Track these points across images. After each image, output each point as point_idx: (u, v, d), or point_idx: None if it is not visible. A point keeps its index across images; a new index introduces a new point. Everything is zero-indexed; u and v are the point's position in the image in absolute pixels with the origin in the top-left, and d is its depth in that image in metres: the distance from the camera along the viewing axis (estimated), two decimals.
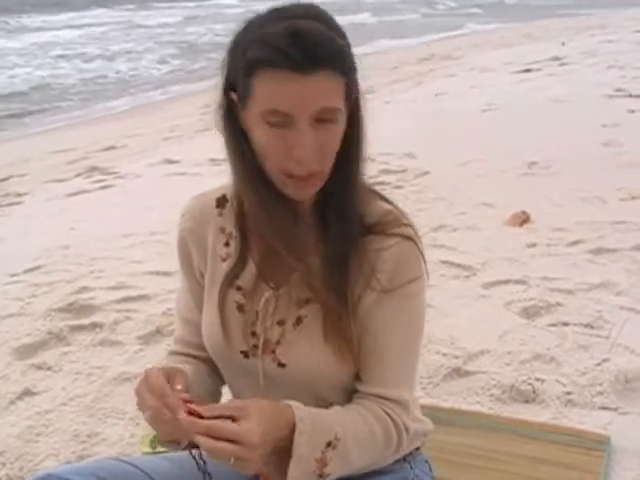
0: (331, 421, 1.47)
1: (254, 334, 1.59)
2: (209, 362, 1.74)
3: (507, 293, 4.10)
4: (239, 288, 1.61)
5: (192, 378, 1.56)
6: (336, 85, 1.37)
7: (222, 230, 1.64)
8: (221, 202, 1.67)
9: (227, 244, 1.64)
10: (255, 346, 1.59)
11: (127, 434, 3.02)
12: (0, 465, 2.84)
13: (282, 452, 1.40)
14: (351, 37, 1.44)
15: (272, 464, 1.40)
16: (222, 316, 1.60)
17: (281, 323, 1.57)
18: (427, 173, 6.68)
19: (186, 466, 1.52)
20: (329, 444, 1.43)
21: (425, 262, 1.56)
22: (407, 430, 1.57)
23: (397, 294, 1.52)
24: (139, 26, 33.05)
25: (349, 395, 1.59)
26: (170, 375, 1.41)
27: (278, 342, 1.57)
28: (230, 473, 1.74)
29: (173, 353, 1.77)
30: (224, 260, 1.63)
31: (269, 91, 1.32)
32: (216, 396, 1.73)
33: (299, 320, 1.56)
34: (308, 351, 1.54)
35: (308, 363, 1.54)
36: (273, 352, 1.57)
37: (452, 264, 4.47)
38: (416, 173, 6.63)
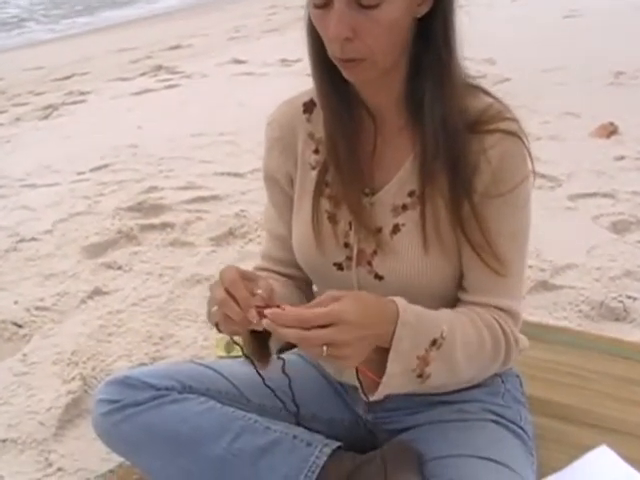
0: (438, 318, 1.39)
1: (347, 245, 1.52)
2: (298, 280, 1.68)
3: (594, 207, 3.97)
4: (330, 197, 1.53)
5: (279, 293, 1.50)
6: None
7: (311, 136, 1.57)
8: (309, 107, 1.59)
9: (316, 151, 1.56)
10: (349, 258, 1.52)
11: (200, 337, 3.00)
12: (73, 365, 2.84)
13: (385, 352, 1.31)
14: None
15: (373, 364, 1.32)
16: (314, 227, 1.54)
17: (377, 232, 1.49)
18: (507, 80, 6.48)
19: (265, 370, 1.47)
20: (434, 342, 1.34)
21: (532, 159, 1.46)
22: (517, 342, 1.50)
23: (503, 197, 1.42)
24: None
25: (451, 307, 1.52)
26: (251, 278, 1.33)
27: (374, 253, 1.50)
28: (311, 377, 1.71)
29: (258, 269, 1.71)
30: (314, 168, 1.55)
31: None
32: None
33: (396, 228, 1.48)
34: (407, 261, 1.46)
35: (407, 274, 1.46)
36: (369, 264, 1.50)
37: (536, 174, 4.34)
38: (496, 79, 6.42)
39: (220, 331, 1.35)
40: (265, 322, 1.21)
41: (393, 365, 1.31)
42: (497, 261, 1.44)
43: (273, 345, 1.45)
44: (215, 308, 1.31)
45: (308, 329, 1.19)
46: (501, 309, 1.48)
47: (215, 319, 1.34)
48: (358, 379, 1.34)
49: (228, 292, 1.28)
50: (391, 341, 1.30)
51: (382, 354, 1.32)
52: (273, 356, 1.46)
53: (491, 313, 1.46)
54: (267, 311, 1.22)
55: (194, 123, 5.98)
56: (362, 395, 1.36)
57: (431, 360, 1.35)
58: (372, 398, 1.35)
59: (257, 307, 1.25)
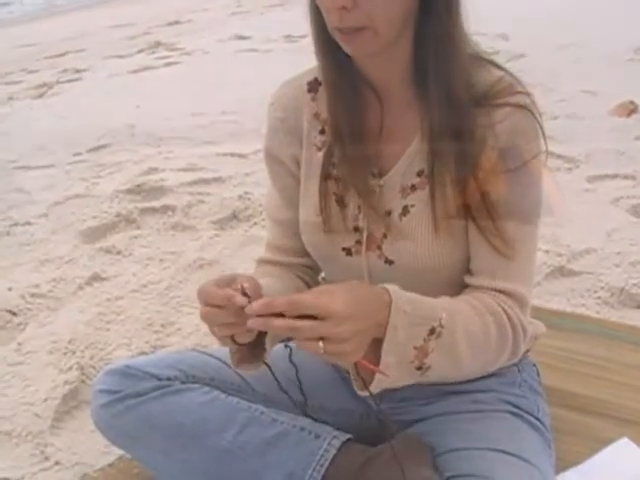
0: (437, 306, 1.35)
1: (357, 229, 1.51)
2: (305, 269, 1.68)
3: (614, 189, 3.95)
4: (337, 179, 1.51)
5: (278, 289, 1.49)
6: None
7: (316, 116, 1.55)
8: (313, 86, 1.57)
9: (322, 131, 1.55)
10: (358, 242, 1.51)
11: (204, 324, 2.99)
12: (70, 353, 2.83)
13: (380, 343, 1.28)
14: None
15: (369, 355, 1.28)
16: (321, 210, 1.52)
17: (386, 215, 1.48)
18: (522, 56, 6.47)
19: (271, 358, 1.46)
20: (432, 331, 1.31)
21: (544, 135, 1.45)
22: (525, 331, 1.47)
23: (511, 174, 1.41)
24: None
25: (460, 293, 1.51)
26: (229, 281, 1.29)
27: (384, 236, 1.49)
28: (319, 365, 1.70)
29: (262, 262, 1.69)
30: (320, 149, 1.54)
31: None
32: None
33: (405, 210, 1.47)
34: (417, 243, 1.45)
35: (418, 257, 1.45)
36: (379, 248, 1.49)
37: (552, 154, 4.32)
38: (510, 55, 6.39)
39: (226, 345, 1.34)
40: (251, 322, 1.18)
41: (388, 356, 1.28)
42: (504, 242, 1.42)
43: (269, 343, 1.43)
44: (207, 323, 1.31)
45: (299, 318, 1.17)
46: (507, 294, 1.45)
47: (218, 339, 1.34)
48: (356, 372, 1.32)
49: (209, 305, 1.27)
50: (385, 331, 1.28)
51: (378, 346, 1.29)
52: (269, 350, 1.43)
53: (496, 299, 1.43)
54: (253, 304, 1.19)
55: (195, 102, 5.97)
56: (357, 389, 1.35)
57: (430, 351, 1.32)
58: (365, 393, 1.33)
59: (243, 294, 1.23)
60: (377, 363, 1.29)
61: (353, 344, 1.21)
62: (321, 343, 1.17)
